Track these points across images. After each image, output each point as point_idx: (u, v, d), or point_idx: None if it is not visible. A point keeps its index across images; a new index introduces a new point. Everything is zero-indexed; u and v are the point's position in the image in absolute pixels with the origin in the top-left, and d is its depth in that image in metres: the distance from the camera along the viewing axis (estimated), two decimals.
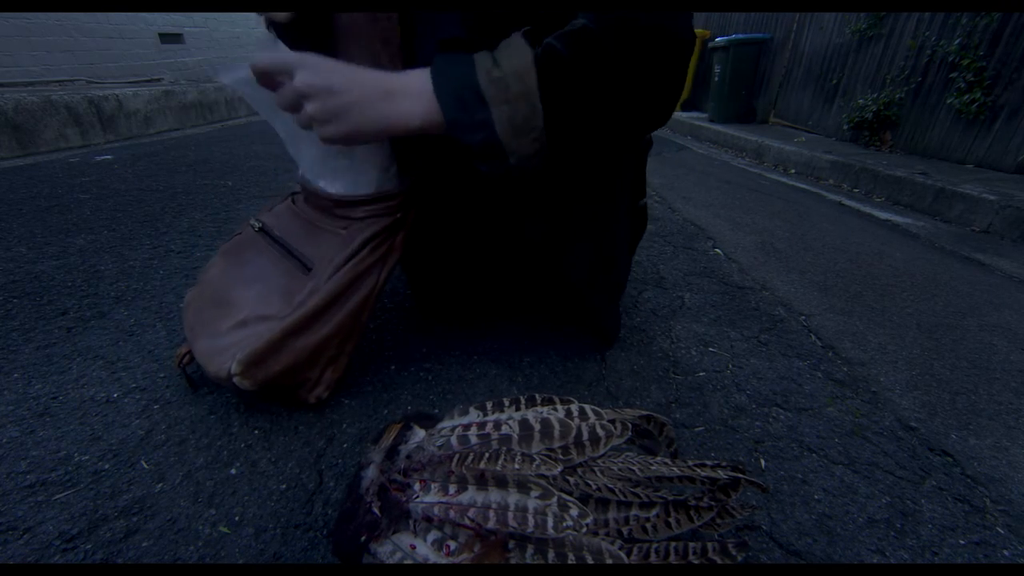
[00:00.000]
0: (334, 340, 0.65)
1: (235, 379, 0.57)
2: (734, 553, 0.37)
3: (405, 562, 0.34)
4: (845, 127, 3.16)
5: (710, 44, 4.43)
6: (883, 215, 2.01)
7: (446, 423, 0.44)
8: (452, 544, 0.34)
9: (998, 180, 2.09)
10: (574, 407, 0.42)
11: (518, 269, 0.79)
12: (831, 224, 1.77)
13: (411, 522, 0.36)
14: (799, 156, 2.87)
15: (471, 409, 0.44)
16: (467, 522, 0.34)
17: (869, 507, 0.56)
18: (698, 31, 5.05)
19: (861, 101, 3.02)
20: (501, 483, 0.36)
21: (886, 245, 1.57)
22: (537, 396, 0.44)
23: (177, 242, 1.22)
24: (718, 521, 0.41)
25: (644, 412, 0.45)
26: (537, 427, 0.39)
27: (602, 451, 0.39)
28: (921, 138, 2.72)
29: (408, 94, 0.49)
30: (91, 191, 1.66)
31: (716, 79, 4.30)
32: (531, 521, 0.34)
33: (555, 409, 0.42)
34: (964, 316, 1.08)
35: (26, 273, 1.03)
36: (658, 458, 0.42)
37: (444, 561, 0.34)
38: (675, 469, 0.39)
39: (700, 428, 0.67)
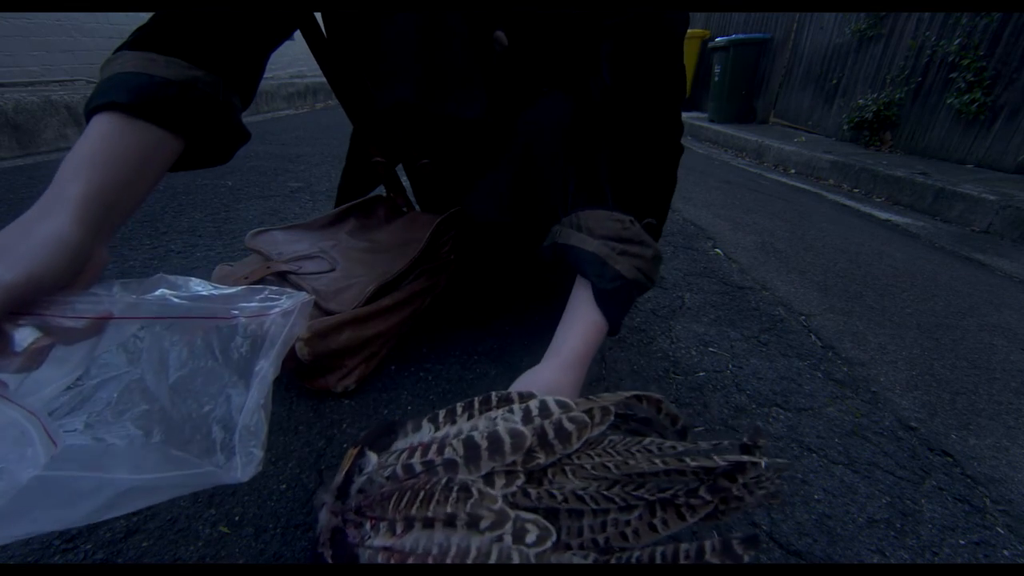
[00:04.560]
0: (380, 339, 0.71)
1: (298, 343, 0.60)
2: (739, 551, 0.30)
3: None
4: (845, 127, 3.16)
5: (710, 44, 4.43)
6: (883, 215, 2.01)
7: (399, 443, 0.39)
8: None
9: (998, 180, 2.09)
10: (533, 404, 0.37)
11: (523, 274, 0.81)
12: (831, 224, 1.77)
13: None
14: (799, 156, 2.87)
15: (424, 423, 0.40)
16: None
17: (869, 507, 0.56)
18: (698, 31, 5.06)
19: (861, 101, 3.02)
20: (449, 521, 0.32)
21: (886, 245, 1.57)
22: (493, 396, 0.39)
23: (177, 242, 1.22)
24: (721, 511, 0.33)
25: (632, 393, 0.39)
26: (484, 444, 0.34)
27: (576, 446, 0.34)
28: (921, 138, 2.72)
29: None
30: None
31: (716, 79, 4.30)
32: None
33: (511, 411, 0.37)
34: (964, 316, 1.08)
35: None
36: (648, 439, 0.36)
37: None
38: (657, 461, 0.33)
39: (700, 428, 0.67)
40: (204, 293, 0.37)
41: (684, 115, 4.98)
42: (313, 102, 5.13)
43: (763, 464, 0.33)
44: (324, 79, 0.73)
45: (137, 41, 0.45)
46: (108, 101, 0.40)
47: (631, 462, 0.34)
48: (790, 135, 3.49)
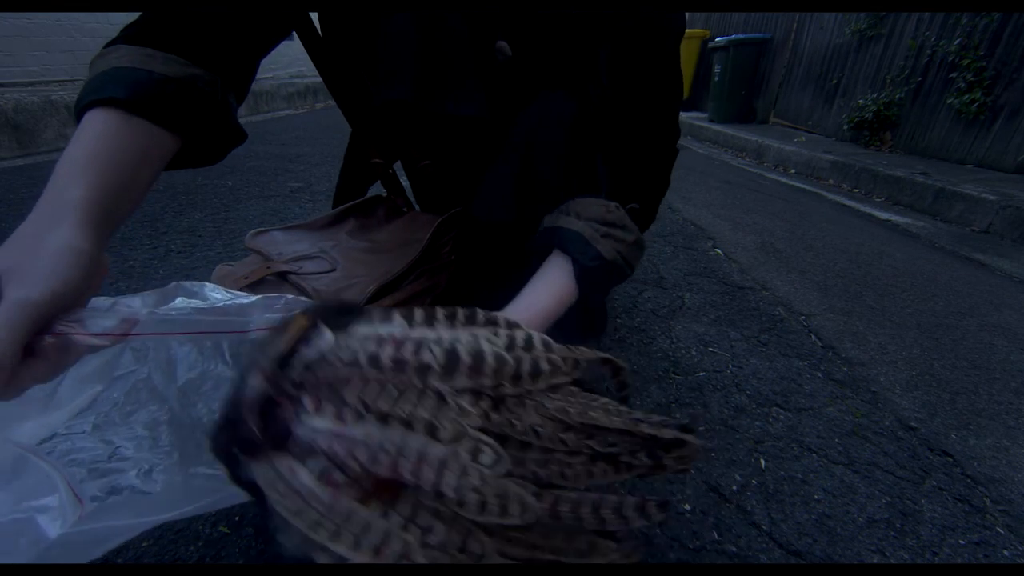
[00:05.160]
0: None
1: None
2: (652, 513, 0.34)
3: (279, 488, 0.31)
4: (845, 127, 3.16)
5: (710, 44, 4.43)
6: (883, 215, 2.01)
7: (363, 328, 0.36)
8: (337, 475, 0.30)
9: (998, 180, 2.09)
10: (519, 334, 0.36)
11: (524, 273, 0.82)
12: (831, 224, 1.77)
13: (294, 444, 0.32)
14: (799, 156, 2.87)
15: (396, 316, 0.37)
16: (351, 463, 0.30)
17: (869, 507, 0.56)
18: (698, 31, 5.06)
19: (861, 101, 3.02)
20: (407, 423, 0.31)
21: (886, 245, 1.57)
22: (480, 313, 0.38)
23: (177, 242, 1.22)
24: (649, 473, 0.36)
25: (602, 355, 0.40)
26: (468, 361, 0.33)
27: (541, 386, 0.35)
28: (921, 138, 2.72)
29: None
30: None
31: (716, 79, 4.30)
32: (427, 474, 0.29)
33: (496, 334, 0.36)
34: (964, 316, 1.08)
35: None
36: (603, 399, 0.37)
37: (327, 495, 0.30)
38: (615, 420, 0.35)
39: (700, 428, 0.67)
40: (222, 303, 0.37)
41: (684, 115, 4.97)
42: (313, 102, 5.13)
43: (694, 444, 0.36)
44: (327, 87, 0.73)
45: (133, 36, 0.43)
46: (106, 97, 0.39)
47: (591, 414, 0.34)
48: (790, 135, 3.49)
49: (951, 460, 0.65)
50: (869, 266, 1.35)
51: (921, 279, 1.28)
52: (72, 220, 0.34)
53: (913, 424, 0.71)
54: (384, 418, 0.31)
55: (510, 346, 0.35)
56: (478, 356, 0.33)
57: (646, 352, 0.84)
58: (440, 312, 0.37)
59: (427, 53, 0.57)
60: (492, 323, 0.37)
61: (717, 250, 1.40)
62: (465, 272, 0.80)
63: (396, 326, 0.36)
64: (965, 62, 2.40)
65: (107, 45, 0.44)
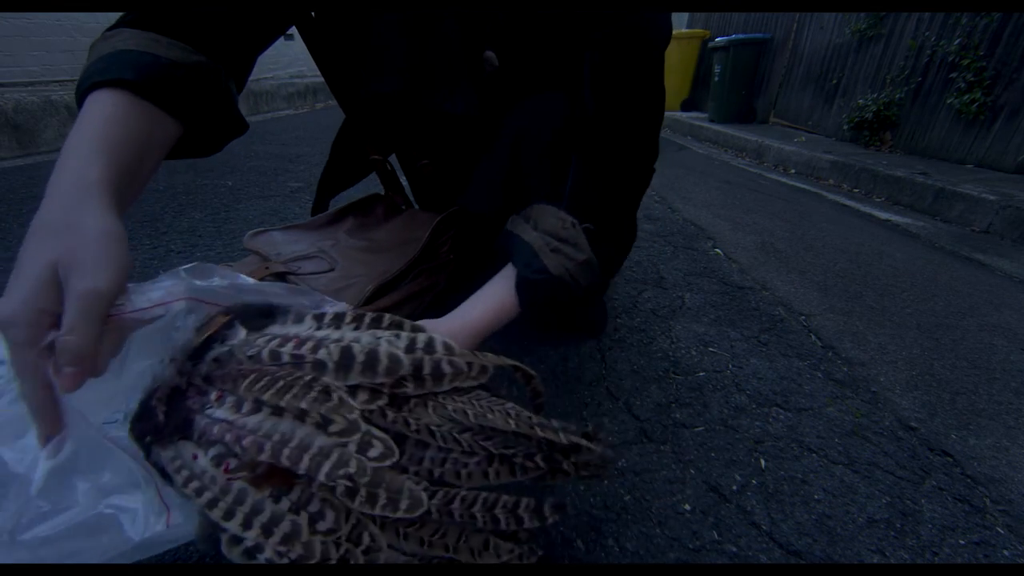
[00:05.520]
0: None
1: None
2: (547, 515, 0.35)
3: (183, 472, 0.32)
4: (845, 127, 3.16)
5: (710, 44, 4.43)
6: (883, 215, 2.01)
7: (275, 328, 0.38)
8: (232, 462, 0.32)
9: (998, 180, 2.09)
10: (421, 337, 0.37)
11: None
12: (831, 224, 1.77)
13: (195, 432, 0.34)
14: (799, 156, 2.87)
15: (308, 317, 0.39)
16: (237, 450, 0.32)
17: (869, 507, 0.56)
18: (698, 31, 5.05)
19: (861, 101, 3.02)
20: (299, 415, 0.32)
21: (886, 245, 1.57)
22: (386, 317, 0.39)
23: (177, 242, 1.22)
24: (549, 477, 0.38)
25: (511, 362, 0.40)
26: (360, 359, 0.34)
27: (445, 387, 0.35)
28: (921, 138, 2.72)
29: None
30: None
31: (716, 79, 4.30)
32: (305, 461, 0.30)
33: (397, 336, 0.37)
34: (964, 316, 1.08)
35: None
36: (507, 404, 0.37)
37: (222, 478, 0.32)
38: (512, 423, 0.35)
39: (700, 428, 0.67)
40: (256, 287, 0.39)
41: (684, 115, 4.98)
42: (313, 102, 5.13)
43: (597, 451, 0.37)
44: (324, 79, 0.72)
45: (136, 20, 0.43)
46: (114, 78, 0.38)
47: (489, 416, 0.35)
48: (790, 135, 3.49)
49: (951, 460, 0.65)
50: (869, 266, 1.35)
51: (921, 279, 1.28)
52: (100, 202, 0.34)
53: (913, 424, 0.71)
54: (278, 410, 0.33)
55: (410, 348, 0.36)
56: (371, 355, 0.34)
57: (646, 352, 0.84)
58: (348, 314, 0.38)
59: (417, 48, 0.57)
60: (397, 326, 0.38)
61: (717, 250, 1.40)
62: (464, 271, 0.80)
63: (305, 326, 0.38)
64: (965, 62, 2.39)
65: (106, 30, 0.43)
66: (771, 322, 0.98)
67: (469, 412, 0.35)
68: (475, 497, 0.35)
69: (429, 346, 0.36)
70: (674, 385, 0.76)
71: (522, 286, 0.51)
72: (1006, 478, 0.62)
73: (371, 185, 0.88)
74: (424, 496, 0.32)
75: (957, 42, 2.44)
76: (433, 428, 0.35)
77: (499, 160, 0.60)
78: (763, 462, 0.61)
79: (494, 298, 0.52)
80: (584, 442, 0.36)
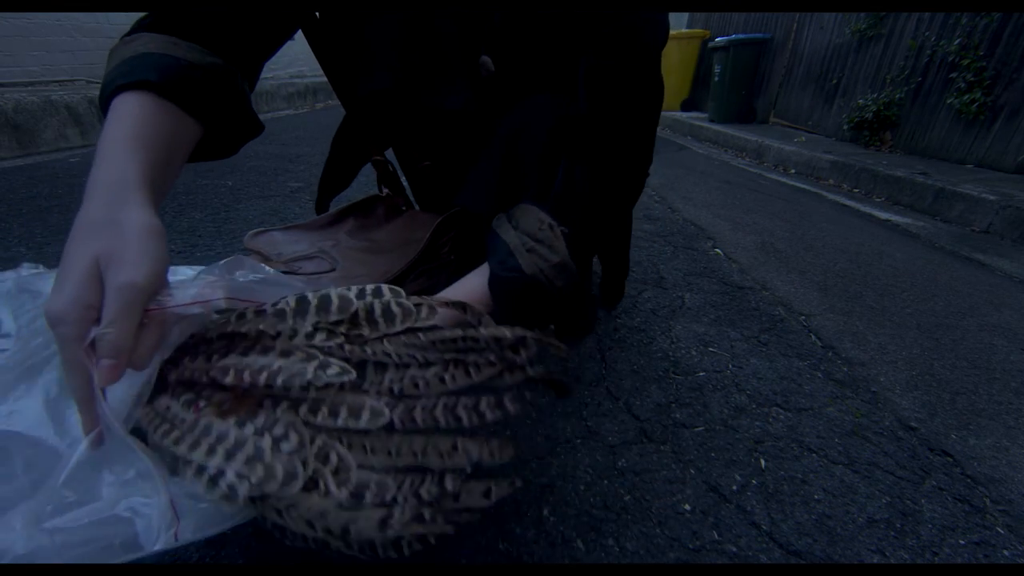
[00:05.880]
0: None
1: None
2: (508, 406, 0.36)
3: (155, 422, 0.34)
4: (845, 127, 3.16)
5: (710, 44, 4.43)
6: (883, 215, 2.01)
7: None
8: (202, 403, 0.34)
9: (998, 180, 2.09)
10: (370, 286, 0.40)
11: None
12: (831, 224, 1.77)
13: (169, 385, 0.36)
14: (799, 156, 2.87)
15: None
16: (204, 379, 0.34)
17: (869, 507, 0.56)
18: (698, 31, 5.05)
19: (861, 101, 3.02)
20: (264, 351, 0.35)
21: (886, 245, 1.57)
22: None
23: (177, 242, 1.22)
24: (506, 377, 0.38)
25: (456, 300, 0.42)
26: (314, 302, 0.37)
27: (398, 327, 0.37)
28: (921, 138, 2.72)
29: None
30: None
31: (716, 79, 4.30)
32: (264, 375, 0.33)
33: (348, 288, 0.39)
34: (964, 316, 1.08)
35: None
36: (458, 330, 0.39)
37: (192, 418, 0.34)
38: (458, 331, 0.37)
39: (700, 428, 0.67)
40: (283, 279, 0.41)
41: (684, 115, 4.98)
42: (313, 102, 5.13)
43: (547, 343, 0.39)
44: (324, 79, 0.72)
45: (152, 24, 0.44)
46: (139, 79, 0.39)
47: (439, 334, 0.38)
48: (790, 135, 3.49)
49: (951, 460, 0.65)
50: (869, 266, 1.35)
51: (921, 279, 1.28)
52: (139, 199, 0.35)
53: (913, 424, 0.71)
54: (245, 351, 0.36)
55: (360, 294, 0.39)
56: (324, 298, 0.37)
57: (646, 352, 0.84)
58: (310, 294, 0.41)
59: (410, 45, 0.57)
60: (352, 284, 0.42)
61: (717, 250, 1.40)
62: (464, 271, 0.79)
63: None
64: (965, 62, 2.39)
65: (124, 36, 0.44)
66: (771, 322, 0.98)
67: (421, 336, 0.38)
68: (435, 402, 0.36)
69: (378, 291, 0.39)
70: (674, 385, 0.76)
71: (495, 283, 0.51)
72: (1006, 478, 0.62)
73: (371, 185, 0.88)
74: (385, 408, 0.34)
75: (957, 42, 2.44)
76: (387, 350, 0.37)
77: (494, 159, 0.60)
78: (763, 462, 0.61)
79: (463, 292, 0.52)
80: (528, 333, 0.38)
